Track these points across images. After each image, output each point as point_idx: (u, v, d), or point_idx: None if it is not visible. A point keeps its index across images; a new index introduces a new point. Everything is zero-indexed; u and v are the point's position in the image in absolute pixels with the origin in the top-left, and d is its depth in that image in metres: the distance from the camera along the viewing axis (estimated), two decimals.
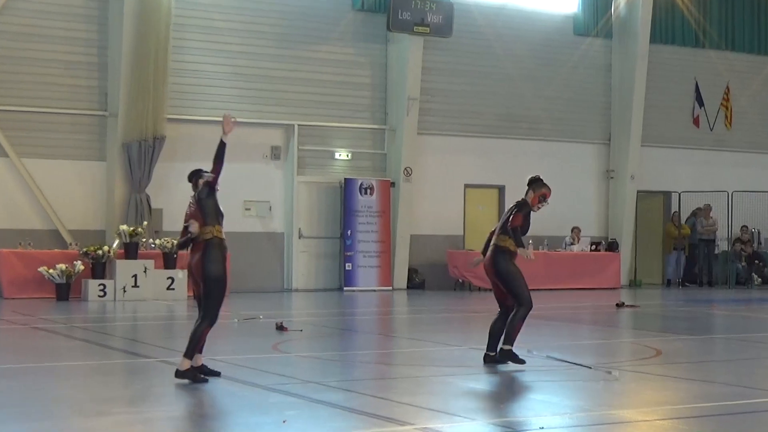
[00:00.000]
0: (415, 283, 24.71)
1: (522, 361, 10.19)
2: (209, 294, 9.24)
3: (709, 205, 26.93)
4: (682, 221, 27.26)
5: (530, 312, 10.43)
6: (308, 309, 19.46)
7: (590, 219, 26.94)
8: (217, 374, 9.39)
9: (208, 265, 9.17)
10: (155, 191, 22.07)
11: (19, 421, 7.59)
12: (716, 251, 27.28)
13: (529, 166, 26.20)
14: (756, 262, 26.95)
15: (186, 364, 9.23)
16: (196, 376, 9.22)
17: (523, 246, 10.64)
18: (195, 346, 9.25)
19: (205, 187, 9.38)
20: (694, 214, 27.11)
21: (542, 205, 10.81)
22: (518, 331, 10.34)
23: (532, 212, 10.77)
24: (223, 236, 9.32)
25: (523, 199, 10.81)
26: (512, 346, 10.30)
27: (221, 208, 9.49)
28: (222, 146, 9.38)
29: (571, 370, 10.45)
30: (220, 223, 9.37)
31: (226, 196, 25.67)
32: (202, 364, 9.43)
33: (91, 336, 13.99)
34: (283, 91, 23.51)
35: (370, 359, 11.74)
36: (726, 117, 28.60)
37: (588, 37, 26.73)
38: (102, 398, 8.60)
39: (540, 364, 10.91)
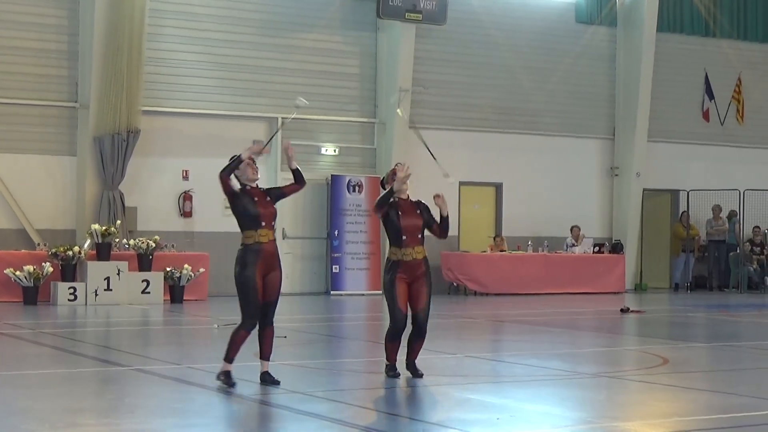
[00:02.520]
0: None
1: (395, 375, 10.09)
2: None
3: (719, 205, 27.03)
4: (691, 221, 27.35)
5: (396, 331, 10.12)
6: (292, 314, 19.45)
7: (593, 219, 26.97)
8: (276, 383, 9.59)
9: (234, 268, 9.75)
10: (129, 188, 22.04)
11: None
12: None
13: (529, 162, 26.33)
14: None
15: (226, 367, 9.52)
16: (228, 381, 9.45)
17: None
18: (229, 348, 9.54)
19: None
20: (730, 216, 27.09)
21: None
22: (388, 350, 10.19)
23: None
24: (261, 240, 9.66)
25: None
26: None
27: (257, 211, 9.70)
28: (295, 173, 9.93)
29: (574, 380, 10.46)
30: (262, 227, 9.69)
31: (205, 195, 25.75)
32: (266, 371, 9.68)
33: (61, 342, 13.95)
34: (266, 81, 23.49)
35: (359, 368, 11.73)
36: (738, 111, 28.66)
37: (591, 25, 26.77)
38: (72, 409, 8.58)
39: (542, 374, 10.92)
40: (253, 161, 9.76)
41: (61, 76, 21.87)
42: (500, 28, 25.73)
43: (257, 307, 9.59)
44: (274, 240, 9.76)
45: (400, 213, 10.15)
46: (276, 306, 9.79)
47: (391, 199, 10.14)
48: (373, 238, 24.04)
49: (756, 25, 28.72)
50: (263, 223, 9.63)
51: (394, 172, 10.27)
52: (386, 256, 10.35)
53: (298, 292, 23.73)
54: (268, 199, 9.78)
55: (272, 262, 9.68)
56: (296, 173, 9.91)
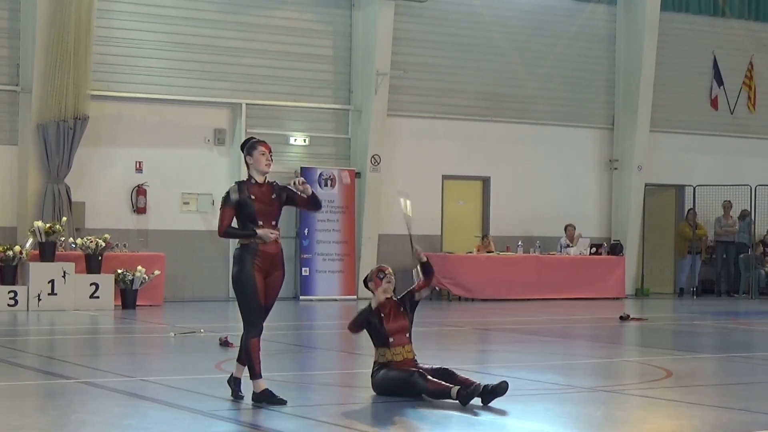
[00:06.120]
0: None
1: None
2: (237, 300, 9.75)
3: (729, 201, 27.15)
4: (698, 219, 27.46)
5: None
6: None
7: (590, 217, 27.05)
8: (240, 398, 9.58)
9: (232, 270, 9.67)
10: (76, 181, 21.96)
11: None
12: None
13: (519, 154, 26.38)
14: None
15: (258, 386, 9.48)
16: (272, 398, 9.41)
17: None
18: (249, 365, 9.51)
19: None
20: (743, 216, 27.20)
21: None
22: None
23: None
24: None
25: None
26: None
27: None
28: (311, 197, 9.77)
29: (568, 394, 10.50)
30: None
31: (160, 188, 25.62)
32: (239, 378, 9.69)
33: (0, 353, 13.89)
34: (229, 64, 23.45)
35: (331, 381, 11.74)
36: (749, 98, 28.79)
37: (589, 2, 26.85)
38: (12, 426, 8.55)
39: (533, 388, 10.95)
40: (269, 150, 9.67)
41: (1, 56, 21.78)
42: (489, 5, 25.77)
43: (260, 309, 9.58)
44: (277, 241, 9.67)
45: (383, 315, 10.16)
46: (270, 310, 9.79)
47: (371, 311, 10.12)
48: (347, 238, 24.04)
49: None
50: (260, 222, 9.55)
51: (380, 272, 10.25)
52: (373, 359, 10.22)
53: None
54: (274, 196, 9.67)
55: (274, 263, 9.61)
56: (313, 197, 9.77)
